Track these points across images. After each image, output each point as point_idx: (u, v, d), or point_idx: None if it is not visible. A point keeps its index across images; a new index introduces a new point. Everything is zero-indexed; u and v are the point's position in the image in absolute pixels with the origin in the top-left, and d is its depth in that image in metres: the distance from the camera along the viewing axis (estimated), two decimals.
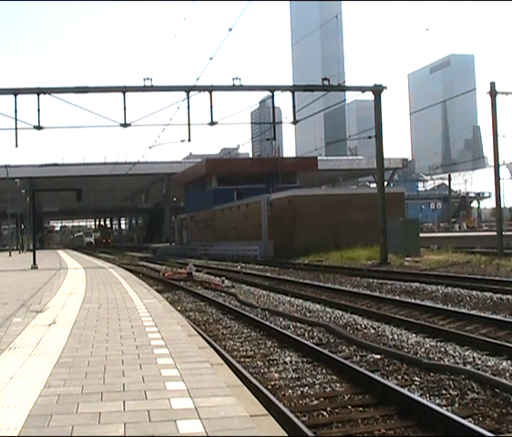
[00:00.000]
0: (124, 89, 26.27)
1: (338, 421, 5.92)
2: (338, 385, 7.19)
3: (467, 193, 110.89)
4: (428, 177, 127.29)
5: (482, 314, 12.05)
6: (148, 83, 25.80)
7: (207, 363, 5.45)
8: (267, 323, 11.58)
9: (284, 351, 9.26)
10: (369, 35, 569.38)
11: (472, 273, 20.69)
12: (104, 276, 19.24)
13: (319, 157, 67.84)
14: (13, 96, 25.52)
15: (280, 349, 9.49)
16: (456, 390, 6.79)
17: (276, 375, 7.83)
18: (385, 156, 32.05)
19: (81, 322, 8.35)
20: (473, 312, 12.37)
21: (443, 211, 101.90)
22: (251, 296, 17.51)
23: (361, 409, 6.29)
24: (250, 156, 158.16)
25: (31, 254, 29.71)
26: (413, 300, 14.71)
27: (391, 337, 10.16)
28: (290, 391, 7.06)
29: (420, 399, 6.22)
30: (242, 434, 3.49)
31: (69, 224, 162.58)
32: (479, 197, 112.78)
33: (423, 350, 9.00)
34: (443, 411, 5.75)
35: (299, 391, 7.01)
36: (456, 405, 6.29)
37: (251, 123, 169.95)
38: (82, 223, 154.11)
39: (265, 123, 62.40)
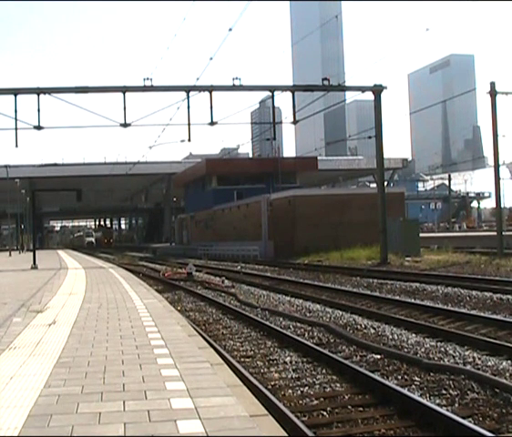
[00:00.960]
0: (124, 89, 26.27)
1: (338, 421, 5.92)
2: (338, 385, 7.19)
3: (467, 193, 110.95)
4: (428, 177, 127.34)
5: (482, 314, 12.05)
6: (148, 83, 25.80)
7: (207, 363, 5.45)
8: (267, 323, 11.58)
9: (284, 351, 9.26)
10: (369, 35, 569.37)
11: (472, 273, 20.69)
12: (104, 276, 19.24)
13: (319, 157, 67.83)
14: (13, 96, 25.52)
15: (280, 349, 9.49)
16: (456, 390, 6.79)
17: (276, 375, 7.83)
18: (385, 156, 32.05)
19: (81, 322, 8.35)
20: (473, 312, 12.37)
21: (443, 211, 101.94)
22: (251, 296, 17.51)
23: (361, 409, 6.29)
24: (250, 156, 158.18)
25: (31, 254, 29.71)
26: (413, 300, 14.71)
27: (391, 337, 10.16)
28: (290, 391, 7.06)
29: (420, 399, 6.22)
30: (242, 434, 3.49)
31: (69, 224, 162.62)
32: (479, 197, 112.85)
33: (423, 350, 9.00)
34: (443, 411, 5.75)
35: (299, 391, 7.01)
36: (456, 405, 6.29)
37: (251, 123, 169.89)
38: (82, 223, 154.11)
39: (265, 123, 62.39)
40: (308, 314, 13.30)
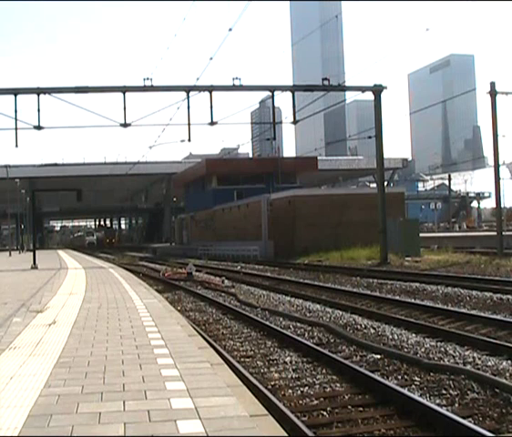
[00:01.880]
0: (124, 89, 26.27)
1: (338, 421, 5.92)
2: (338, 385, 7.19)
3: (467, 193, 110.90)
4: (428, 177, 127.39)
5: (482, 314, 12.04)
6: (148, 83, 25.80)
7: (207, 363, 5.45)
8: (267, 323, 11.58)
9: (284, 351, 9.26)
10: (369, 35, 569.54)
11: (472, 273, 20.69)
12: (104, 276, 19.24)
13: (319, 157, 67.83)
14: (13, 96, 25.53)
15: (280, 349, 9.49)
16: (456, 390, 6.79)
17: (276, 375, 7.83)
18: (385, 156, 32.04)
19: (81, 322, 8.35)
20: (473, 312, 12.36)
21: (443, 211, 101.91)
22: (251, 296, 17.51)
23: (361, 409, 6.29)
24: (250, 156, 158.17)
25: (31, 254, 29.71)
26: (413, 300, 14.70)
27: (391, 337, 10.15)
28: (290, 390, 7.06)
29: (420, 399, 6.21)
30: (242, 434, 3.49)
31: (69, 224, 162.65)
32: (479, 197, 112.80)
33: (423, 350, 9.00)
34: (443, 411, 5.75)
35: (299, 391, 7.01)
36: (456, 405, 6.29)
37: (251, 123, 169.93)
38: (82, 223, 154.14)
39: (265, 123, 62.36)
40: (308, 314, 13.30)
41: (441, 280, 18.20)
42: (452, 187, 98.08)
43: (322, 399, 6.69)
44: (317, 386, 7.17)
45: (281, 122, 35.31)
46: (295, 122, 28.23)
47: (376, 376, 7.21)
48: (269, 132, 35.54)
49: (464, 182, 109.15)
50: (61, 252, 55.49)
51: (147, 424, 3.68)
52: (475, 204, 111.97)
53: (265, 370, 8.17)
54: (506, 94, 29.97)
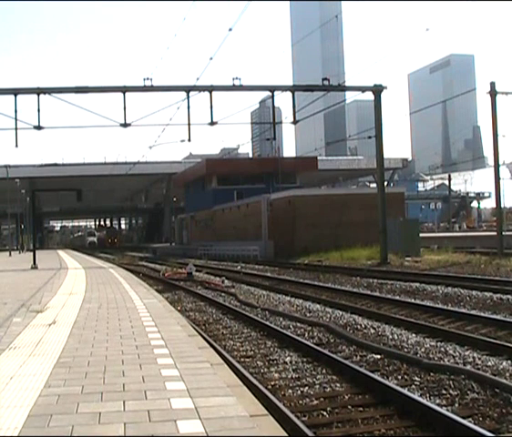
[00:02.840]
0: (124, 89, 26.26)
1: (338, 421, 5.92)
2: (338, 385, 7.19)
3: (467, 193, 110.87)
4: (428, 177, 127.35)
5: (482, 314, 12.04)
6: (148, 83, 25.80)
7: (207, 363, 5.45)
8: (267, 323, 11.58)
9: (284, 351, 9.26)
10: (369, 35, 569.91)
11: (472, 273, 20.68)
12: (104, 276, 19.24)
13: (319, 157, 67.84)
14: (13, 96, 25.53)
15: (280, 349, 9.48)
16: (456, 390, 6.78)
17: (276, 375, 7.83)
18: (385, 156, 32.04)
19: (81, 322, 8.35)
20: (473, 312, 12.36)
21: (443, 211, 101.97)
22: (251, 296, 17.50)
23: (361, 409, 6.28)
24: (250, 156, 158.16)
25: (31, 254, 29.72)
26: (413, 300, 14.70)
27: (391, 337, 10.15)
28: (290, 390, 7.06)
29: (420, 399, 6.21)
30: (242, 434, 3.49)
31: (69, 224, 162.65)
32: (479, 197, 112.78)
33: (423, 350, 8.99)
34: (443, 411, 5.75)
35: (299, 391, 7.01)
36: (456, 405, 6.29)
37: (251, 123, 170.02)
38: (82, 223, 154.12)
39: (265, 123, 62.34)
40: (308, 314, 13.29)
41: (441, 280, 18.20)
42: (452, 187, 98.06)
43: (322, 399, 6.69)
44: (317, 386, 7.17)
45: (281, 122, 35.29)
46: (295, 122, 28.22)
47: (376, 376, 7.21)
48: (269, 132, 35.56)
49: (464, 182, 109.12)
50: (61, 252, 55.49)
51: (147, 424, 3.68)
52: (475, 204, 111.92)
53: (265, 370, 8.17)
54: (506, 94, 29.96)
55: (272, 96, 27.51)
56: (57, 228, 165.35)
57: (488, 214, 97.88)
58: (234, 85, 26.16)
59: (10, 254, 53.83)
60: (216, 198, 54.16)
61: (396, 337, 10.12)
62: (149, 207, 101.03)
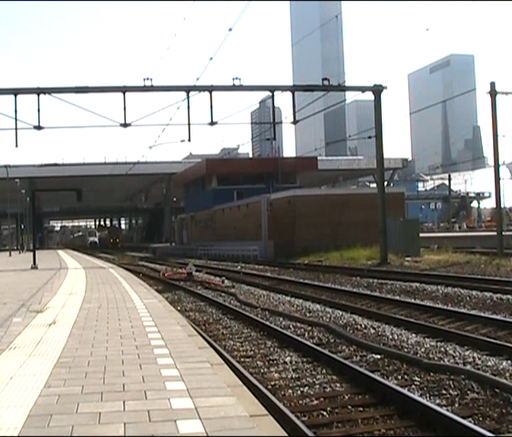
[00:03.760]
0: (124, 89, 26.26)
1: (338, 421, 5.92)
2: (338, 385, 7.18)
3: (467, 193, 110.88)
4: (428, 177, 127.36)
5: (482, 314, 12.04)
6: (148, 83, 25.79)
7: (207, 363, 5.45)
8: (267, 323, 11.57)
9: (284, 351, 9.26)
10: (369, 35, 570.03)
11: (472, 273, 20.68)
12: (104, 276, 19.24)
13: (319, 157, 67.84)
14: (13, 96, 25.51)
15: (280, 349, 9.48)
16: (456, 390, 6.78)
17: (276, 375, 7.83)
18: (385, 156, 32.03)
19: (81, 322, 8.35)
20: (473, 312, 12.36)
21: (443, 211, 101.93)
22: (251, 296, 17.50)
23: (361, 409, 6.28)
24: (250, 156, 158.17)
25: (31, 254, 29.71)
26: (413, 300, 14.70)
27: (391, 337, 10.15)
28: (290, 390, 7.06)
29: (420, 399, 6.21)
30: (242, 434, 3.49)
31: (69, 224, 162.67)
32: (479, 197, 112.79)
33: (423, 350, 8.99)
34: (443, 411, 5.75)
35: (299, 391, 7.01)
36: (456, 405, 6.29)
37: (251, 123, 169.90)
38: (82, 223, 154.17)
39: (265, 123, 62.30)
40: (308, 314, 13.29)
41: (441, 280, 18.20)
42: (452, 187, 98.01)
43: (322, 399, 6.69)
44: (317, 386, 7.17)
45: (281, 122, 35.30)
46: (295, 122, 28.21)
47: (376, 376, 7.21)
48: (269, 132, 35.56)
49: (464, 182, 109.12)
50: (61, 252, 55.49)
51: (147, 424, 3.68)
52: (475, 204, 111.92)
53: (265, 370, 8.17)
54: (506, 94, 29.96)
55: (272, 96, 27.51)
56: (57, 228, 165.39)
57: (488, 214, 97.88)
58: (234, 85, 26.16)
59: (10, 254, 53.83)
60: (216, 198, 54.15)
61: (396, 337, 10.12)
62: (149, 207, 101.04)
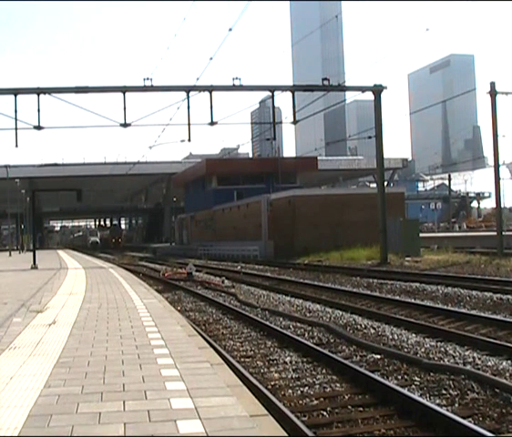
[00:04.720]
0: (124, 89, 26.26)
1: (338, 421, 5.92)
2: (338, 385, 7.19)
3: (467, 193, 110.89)
4: (428, 177, 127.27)
5: (482, 314, 12.05)
6: (148, 83, 25.80)
7: (207, 363, 5.45)
8: (267, 323, 11.58)
9: (284, 351, 9.26)
10: (369, 35, 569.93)
11: (472, 273, 20.68)
12: (104, 276, 19.24)
13: (319, 157, 67.82)
14: (13, 96, 25.52)
15: (280, 349, 9.48)
16: (456, 390, 6.78)
17: (276, 375, 7.83)
18: (385, 156, 32.04)
19: (81, 322, 8.35)
20: (473, 312, 12.37)
21: (443, 211, 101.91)
22: (251, 296, 17.50)
23: (361, 409, 6.28)
24: (250, 156, 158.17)
25: (31, 254, 29.71)
26: (413, 300, 14.70)
27: (391, 337, 10.15)
28: (290, 390, 7.06)
29: (420, 399, 6.21)
30: (242, 434, 3.49)
31: (69, 224, 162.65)
32: (479, 197, 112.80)
33: (423, 350, 9.00)
34: (443, 411, 5.75)
35: (299, 391, 7.01)
36: (456, 405, 6.29)
37: (251, 123, 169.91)
38: (82, 223, 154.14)
39: (265, 123, 62.30)
40: (308, 314, 13.30)
41: (441, 280, 18.20)
42: (452, 187, 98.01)
43: (322, 399, 6.69)
44: (317, 386, 7.17)
45: (281, 122, 35.30)
46: (295, 122, 28.21)
47: (376, 376, 7.21)
48: (269, 132, 35.56)
49: (464, 182, 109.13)
50: (61, 252, 55.49)
51: (147, 424, 3.68)
52: (475, 204, 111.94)
53: (265, 370, 8.17)
54: (506, 94, 29.96)
55: (272, 96, 27.52)
56: (57, 228, 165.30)
57: (488, 214, 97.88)
58: (234, 85, 26.16)
59: (10, 254, 53.82)
60: (216, 198, 54.16)
61: (396, 337, 10.12)
62: (149, 207, 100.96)
